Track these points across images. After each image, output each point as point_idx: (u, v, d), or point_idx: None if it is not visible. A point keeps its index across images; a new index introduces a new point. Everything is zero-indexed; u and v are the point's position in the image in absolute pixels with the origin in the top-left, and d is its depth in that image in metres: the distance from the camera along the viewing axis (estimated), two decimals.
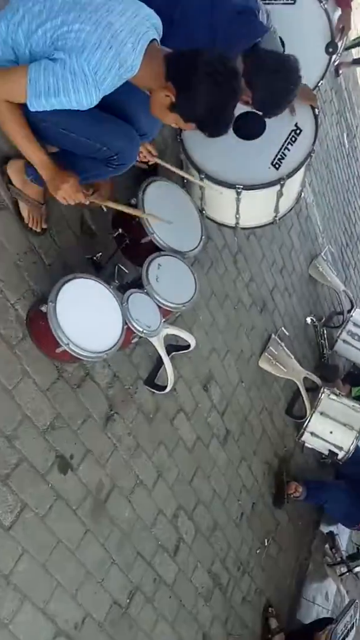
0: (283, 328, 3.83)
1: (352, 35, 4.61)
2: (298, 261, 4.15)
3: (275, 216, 2.46)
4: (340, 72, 5.09)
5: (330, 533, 4.25)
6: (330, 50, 2.54)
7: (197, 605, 2.93)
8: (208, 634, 3.00)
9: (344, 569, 4.11)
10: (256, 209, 2.40)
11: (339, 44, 2.64)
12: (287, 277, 3.99)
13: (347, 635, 3.52)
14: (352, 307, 4.57)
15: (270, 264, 3.75)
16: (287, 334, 3.85)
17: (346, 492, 4.13)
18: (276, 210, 2.40)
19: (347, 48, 4.81)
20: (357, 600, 3.75)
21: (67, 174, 1.68)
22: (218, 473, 3.16)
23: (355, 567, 4.08)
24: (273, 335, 3.74)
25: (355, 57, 5.45)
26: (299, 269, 4.19)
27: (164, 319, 2.13)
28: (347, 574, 4.13)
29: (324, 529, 4.26)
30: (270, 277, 3.76)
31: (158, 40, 1.64)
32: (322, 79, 2.64)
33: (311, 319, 4.28)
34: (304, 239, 4.24)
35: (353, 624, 3.58)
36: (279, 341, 3.74)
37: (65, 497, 2.08)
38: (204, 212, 2.56)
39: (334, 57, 2.64)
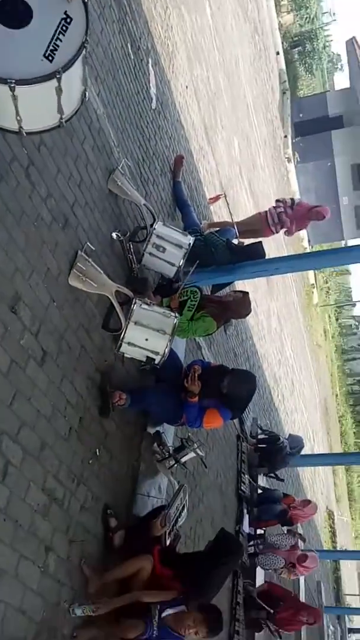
0: (89, 243, 3.81)
1: None
2: (96, 175, 4.10)
3: (61, 118, 2.37)
4: None
5: (157, 432, 4.54)
6: None
7: (35, 522, 2.97)
8: (50, 546, 3.09)
9: (172, 462, 4.45)
10: (37, 107, 2.28)
11: None
12: (86, 191, 3.93)
13: (179, 516, 3.88)
14: (154, 220, 4.69)
15: (67, 178, 3.65)
16: (93, 249, 3.84)
17: (167, 393, 4.41)
18: (60, 110, 2.31)
19: None
20: (184, 485, 4.12)
21: None
22: (40, 394, 3.14)
23: (182, 457, 4.44)
24: (79, 252, 3.71)
25: None
26: (98, 183, 4.15)
27: None
28: (176, 465, 4.48)
29: (151, 430, 4.52)
30: (69, 192, 3.67)
31: None
32: None
33: (116, 234, 4.31)
34: (99, 153, 4.18)
35: (184, 505, 3.95)
36: (86, 257, 3.73)
37: None
38: None
39: None
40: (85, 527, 3.48)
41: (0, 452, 2.74)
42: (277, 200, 6.70)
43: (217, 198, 7.05)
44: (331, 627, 12.95)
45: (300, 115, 25.79)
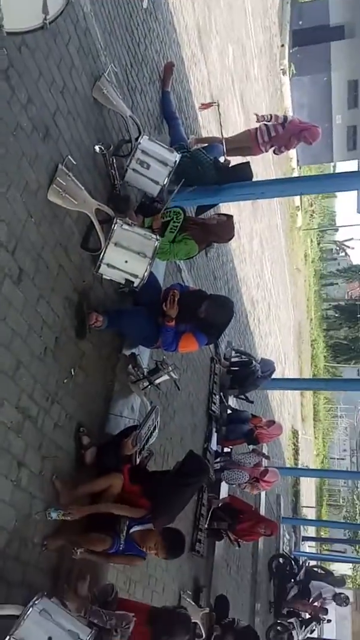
0: (70, 157, 3.61)
1: None
2: (80, 81, 3.82)
3: (45, 18, 2.14)
4: None
5: (132, 354, 4.55)
6: None
7: (9, 438, 3.01)
8: (23, 462, 3.15)
9: (146, 384, 4.49)
10: (20, 5, 2.05)
11: None
12: (69, 99, 3.67)
13: (150, 436, 3.97)
14: (140, 134, 4.44)
15: (49, 84, 3.38)
16: (74, 163, 3.65)
17: (143, 316, 4.38)
18: (44, 10, 2.09)
19: None
20: (157, 406, 4.20)
21: None
22: (15, 313, 3.08)
23: (156, 379, 4.48)
24: (60, 165, 3.51)
25: None
26: (82, 90, 3.87)
27: None
28: (149, 387, 4.53)
29: (126, 352, 4.53)
30: (51, 99, 3.42)
31: None
32: None
33: (99, 147, 4.08)
34: (84, 56, 3.87)
35: (155, 426, 4.04)
36: (67, 171, 3.54)
37: None
38: None
39: None
40: (58, 445, 3.55)
41: None
42: (268, 116, 6.38)
43: (209, 105, 6.67)
44: (287, 536, 13.90)
45: (300, 22, 24.28)
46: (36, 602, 2.67)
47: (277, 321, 15.64)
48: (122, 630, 3.37)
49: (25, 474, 3.17)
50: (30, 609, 2.62)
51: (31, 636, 2.56)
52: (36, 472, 3.29)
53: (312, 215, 30.35)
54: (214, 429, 7.26)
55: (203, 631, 6.11)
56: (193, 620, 5.94)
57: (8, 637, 2.50)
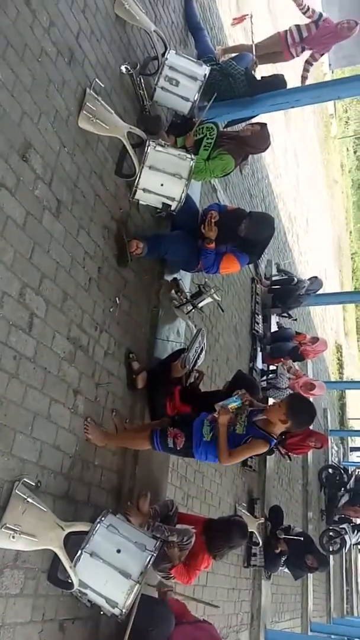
0: (97, 80, 3.49)
1: None
2: None
3: None
4: None
5: (174, 279, 4.56)
6: None
7: (63, 368, 3.11)
8: (78, 389, 3.27)
9: (189, 307, 4.53)
10: None
11: None
12: (91, 18, 3.51)
13: (198, 357, 4.05)
14: (166, 49, 4.24)
15: (69, 3, 3.23)
16: (102, 86, 3.53)
17: (183, 240, 4.35)
18: None
19: None
20: (202, 329, 4.25)
21: None
22: (57, 245, 3.10)
23: (199, 303, 4.51)
24: (88, 90, 3.41)
25: None
26: (103, 7, 3.68)
27: None
28: (193, 310, 4.57)
29: (168, 277, 4.54)
30: (73, 20, 3.28)
31: None
32: None
33: (126, 67, 3.93)
34: None
35: (202, 348, 4.10)
36: (95, 95, 3.45)
37: None
38: None
39: None
40: (109, 371, 3.66)
41: (25, 304, 2.77)
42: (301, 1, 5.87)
43: (242, 19, 6.25)
44: (335, 447, 14.21)
45: None
46: (103, 518, 2.83)
47: (316, 236, 15.29)
48: (181, 545, 3.58)
49: (81, 401, 3.30)
50: (98, 524, 2.79)
51: (101, 549, 2.72)
52: (91, 398, 3.42)
53: (347, 122, 28.82)
54: (259, 348, 7.33)
55: (260, 539, 6.45)
56: (249, 530, 6.27)
57: (80, 551, 2.69)
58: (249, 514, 6.25)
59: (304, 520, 10.19)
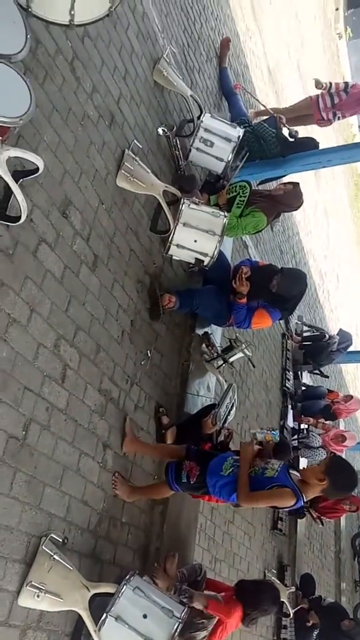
0: (135, 141, 3.64)
1: None
2: (140, 66, 3.83)
3: (111, 6, 2.14)
4: None
5: (205, 333, 4.57)
6: None
7: (93, 420, 3.09)
8: (107, 443, 3.23)
9: (220, 362, 4.51)
10: None
11: None
12: (131, 84, 3.69)
13: (228, 414, 3.98)
14: (201, 112, 4.41)
15: (112, 71, 3.41)
16: (140, 147, 3.68)
17: (214, 295, 4.37)
18: None
19: None
20: (233, 384, 4.19)
21: None
22: (92, 298, 3.15)
23: (230, 357, 4.49)
24: (126, 151, 3.55)
25: None
26: (143, 74, 3.88)
27: (1, 139, 1.90)
28: (224, 365, 4.54)
29: (199, 331, 4.55)
30: (114, 86, 3.45)
31: None
32: None
33: (163, 130, 4.10)
34: (143, 41, 3.87)
35: (232, 404, 4.03)
36: (134, 156, 3.58)
37: None
38: (29, 9, 2.16)
39: None
40: (139, 425, 3.63)
41: (59, 356, 2.80)
42: (328, 84, 6.14)
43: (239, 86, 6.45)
44: None
45: None
46: (129, 579, 2.70)
47: (347, 292, 15.22)
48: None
49: (110, 455, 3.26)
50: (125, 586, 2.65)
51: (127, 613, 2.59)
52: (120, 453, 3.38)
53: None
54: (290, 406, 7.19)
55: (290, 609, 6.12)
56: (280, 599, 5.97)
57: (105, 615, 2.57)
58: (279, 582, 5.97)
59: (336, 590, 9.68)
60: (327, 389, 8.04)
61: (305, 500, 3.07)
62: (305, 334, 8.00)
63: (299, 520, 6.94)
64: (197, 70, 5.09)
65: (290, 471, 3.15)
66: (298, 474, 3.17)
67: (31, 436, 2.55)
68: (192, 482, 3.28)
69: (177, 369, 4.27)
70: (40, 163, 2.24)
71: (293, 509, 3.17)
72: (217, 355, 4.54)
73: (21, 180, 2.30)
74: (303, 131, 5.47)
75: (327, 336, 7.63)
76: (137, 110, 3.78)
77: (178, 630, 2.62)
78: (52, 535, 2.60)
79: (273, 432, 3.27)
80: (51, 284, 2.76)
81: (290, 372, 7.42)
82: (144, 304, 3.80)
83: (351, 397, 8.11)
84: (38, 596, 2.41)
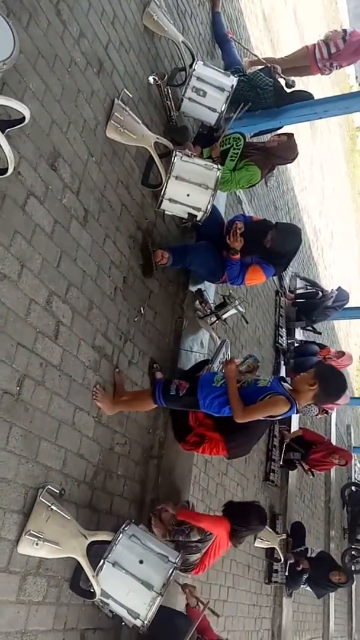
0: (125, 90, 3.52)
1: None
2: (130, 9, 3.67)
3: None
4: None
5: (199, 290, 4.54)
6: None
7: (87, 376, 3.11)
8: None
9: (213, 319, 4.50)
10: None
11: None
12: (120, 29, 3.55)
13: (221, 370, 4.00)
14: (194, 60, 4.27)
15: (99, 15, 3.27)
16: (130, 96, 3.56)
17: (208, 251, 4.32)
18: None
19: None
20: (226, 340, 4.21)
21: None
22: (84, 254, 3.11)
23: (223, 314, 4.48)
24: (116, 100, 3.44)
25: None
26: (132, 18, 3.73)
27: None
28: (217, 322, 4.53)
29: (192, 288, 4.52)
30: (102, 31, 3.32)
31: None
32: None
33: (153, 78, 3.96)
34: None
35: (226, 359, 4.05)
36: (123, 106, 3.47)
37: None
38: None
39: None
40: (133, 381, 3.65)
41: (52, 312, 2.78)
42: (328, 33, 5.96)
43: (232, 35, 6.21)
44: (358, 464, 13.96)
45: None
46: (125, 528, 2.80)
47: (341, 249, 15.16)
48: (203, 539, 3.52)
49: None
50: (121, 534, 2.75)
51: (123, 559, 2.69)
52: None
53: None
54: (282, 362, 7.25)
55: (281, 555, 6.33)
56: (271, 546, 6.16)
57: (102, 560, 2.66)
58: (270, 530, 6.15)
59: (326, 538, 10.00)
60: (320, 345, 8.09)
61: (298, 407, 3.15)
62: (298, 291, 7.99)
63: (290, 472, 7.09)
64: (189, 14, 4.90)
65: (282, 383, 3.23)
66: (290, 385, 3.24)
67: (26, 391, 2.56)
68: (180, 395, 3.32)
69: (170, 326, 4.27)
70: (26, 112, 2.16)
71: (286, 415, 3.21)
72: (211, 311, 4.52)
73: (7, 130, 2.23)
74: (299, 83, 5.31)
75: (320, 293, 7.62)
76: (127, 57, 3.64)
77: (173, 574, 2.71)
78: (50, 487, 2.64)
79: (250, 357, 3.34)
80: (41, 239, 2.71)
81: (284, 329, 7.45)
82: (137, 260, 3.76)
83: (343, 353, 8.17)
84: (37, 544, 2.47)
